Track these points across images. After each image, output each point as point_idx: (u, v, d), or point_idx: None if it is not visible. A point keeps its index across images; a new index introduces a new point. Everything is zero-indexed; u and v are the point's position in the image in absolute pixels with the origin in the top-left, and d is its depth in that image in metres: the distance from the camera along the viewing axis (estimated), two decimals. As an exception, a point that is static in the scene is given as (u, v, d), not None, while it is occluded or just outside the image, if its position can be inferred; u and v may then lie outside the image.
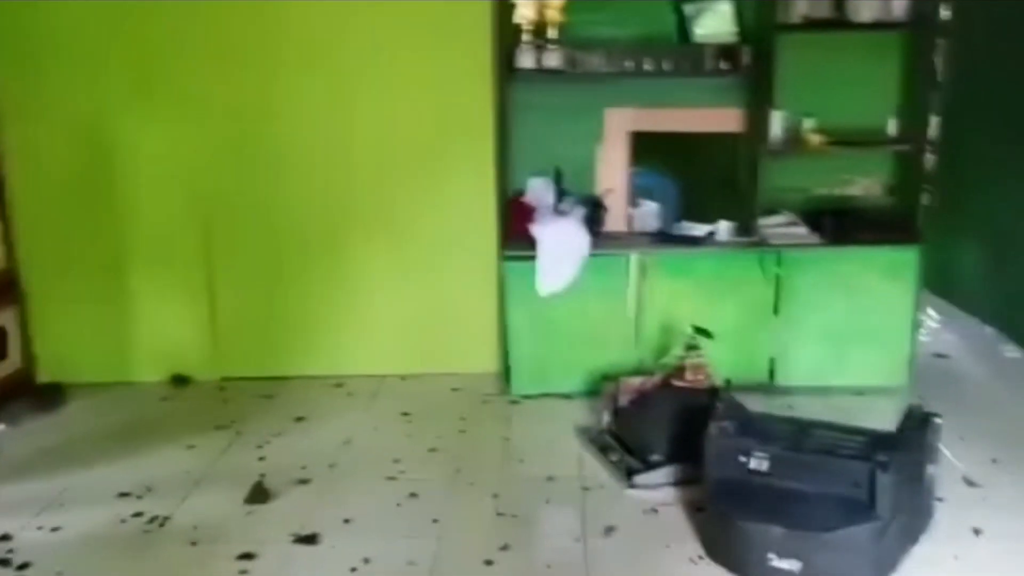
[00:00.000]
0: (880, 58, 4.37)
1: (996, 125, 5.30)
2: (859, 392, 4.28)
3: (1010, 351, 4.92)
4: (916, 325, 4.37)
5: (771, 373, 4.33)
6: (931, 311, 5.61)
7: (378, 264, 4.51)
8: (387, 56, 4.27)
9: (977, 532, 3.07)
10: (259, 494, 3.36)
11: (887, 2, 4.18)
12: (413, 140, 4.38)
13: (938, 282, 6.00)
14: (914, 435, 2.80)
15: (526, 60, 4.07)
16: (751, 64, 4.18)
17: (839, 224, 4.31)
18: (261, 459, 3.72)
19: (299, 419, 4.12)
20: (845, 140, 4.33)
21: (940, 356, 4.90)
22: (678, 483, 3.39)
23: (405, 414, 4.18)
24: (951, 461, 3.56)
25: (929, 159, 6.21)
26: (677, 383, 3.72)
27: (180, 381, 4.57)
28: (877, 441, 2.79)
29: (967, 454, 3.65)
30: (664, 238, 4.35)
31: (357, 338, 4.58)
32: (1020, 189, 5.01)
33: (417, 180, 4.41)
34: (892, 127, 4.37)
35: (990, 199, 5.39)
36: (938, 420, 2.91)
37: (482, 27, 4.14)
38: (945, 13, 6.01)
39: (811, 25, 4.16)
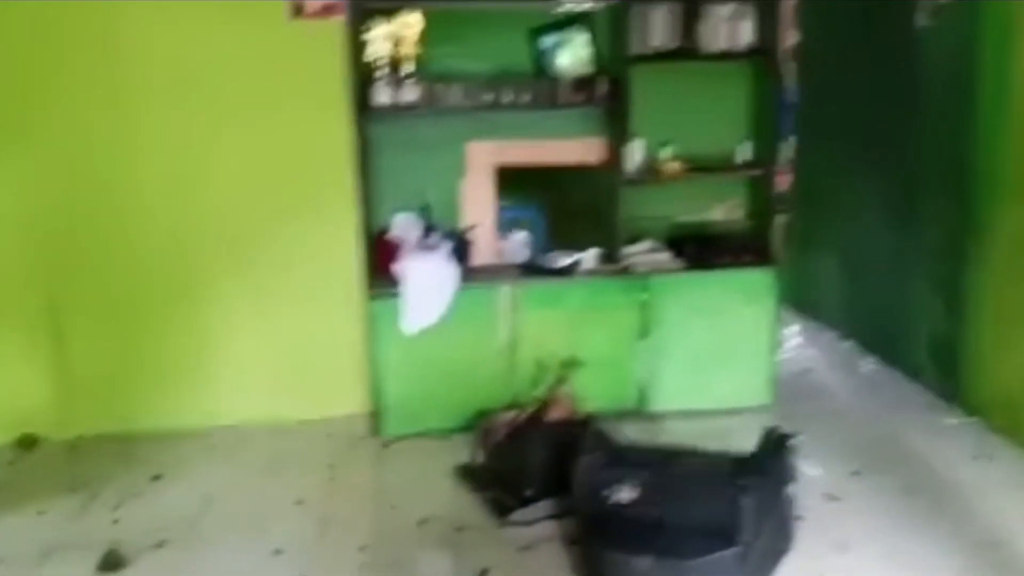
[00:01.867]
0: (731, 86, 4.51)
1: (845, 147, 5.56)
2: (727, 413, 4.37)
3: (866, 364, 5.12)
4: (777, 344, 4.50)
5: (642, 399, 4.38)
6: (794, 328, 5.80)
7: (240, 309, 4.34)
8: (240, 96, 4.14)
9: (840, 547, 3.15)
10: (112, 562, 3.15)
11: (734, 33, 4.32)
12: (271, 180, 4.25)
13: (800, 299, 6.24)
14: (772, 457, 2.85)
15: (382, 96, 4.03)
16: (607, 95, 4.25)
17: (700, 249, 4.41)
18: (116, 522, 3.50)
19: (157, 477, 3.91)
20: (701, 167, 4.45)
21: (804, 372, 5.05)
22: (554, 517, 3.36)
23: (270, 465, 4.02)
24: (814, 476, 3.66)
25: (781, 182, 6.49)
26: (548, 416, 3.71)
27: (28, 442, 4.28)
28: (737, 465, 2.83)
29: (829, 468, 3.76)
30: (533, 269, 4.35)
31: (220, 387, 4.40)
32: (867, 208, 5.24)
33: (278, 221, 4.29)
34: (745, 152, 4.50)
35: (842, 218, 5.63)
36: (794, 440, 2.97)
37: (335, 64, 4.07)
38: (790, 42, 6.29)
39: (662, 56, 4.26)
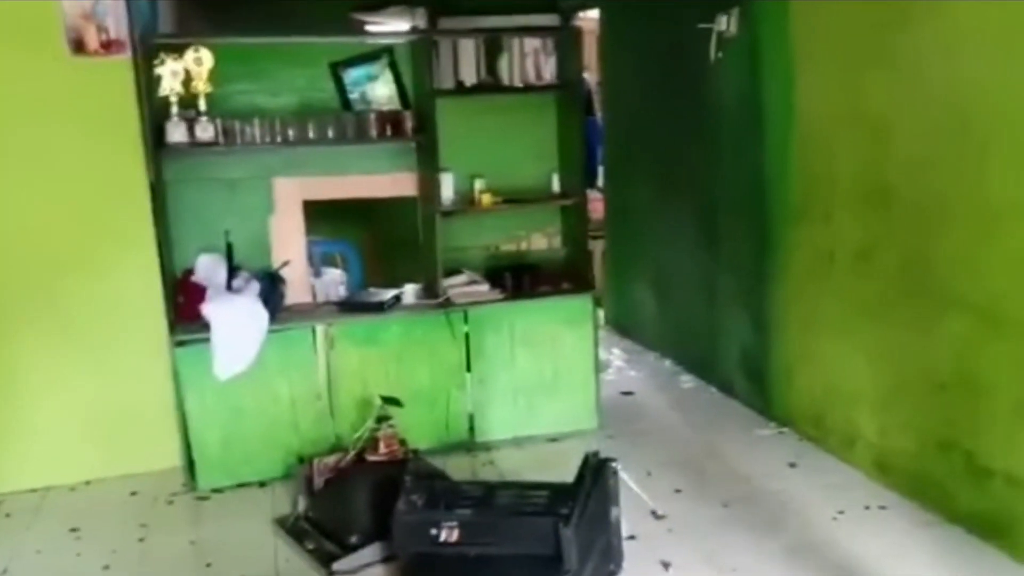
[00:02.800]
0: (538, 119, 4.58)
1: (653, 174, 5.76)
2: (554, 439, 4.39)
3: (686, 381, 5.29)
4: (599, 368, 4.56)
5: (471, 431, 4.33)
6: (617, 351, 5.93)
7: (37, 362, 3.99)
8: (23, 138, 3.84)
9: (666, 565, 3.20)
10: None
11: (537, 67, 4.40)
12: (65, 225, 3.95)
13: (621, 322, 6.40)
14: (593, 483, 2.86)
15: (177, 134, 3.83)
16: (415, 129, 4.22)
17: (519, 279, 4.43)
18: None
19: (-62, 557, 3.51)
20: (515, 198, 4.48)
21: (627, 393, 5.16)
22: (381, 561, 3.25)
23: (74, 529, 3.69)
24: (639, 496, 3.71)
25: (597, 209, 6.67)
26: (371, 458, 3.60)
27: None
28: (558, 494, 2.82)
29: (654, 487, 3.82)
30: (350, 306, 4.24)
31: (15, 449, 4.02)
32: (677, 232, 5.44)
33: (73, 268, 3.98)
34: (556, 182, 4.57)
35: (654, 242, 5.82)
36: (613, 464, 2.99)
37: (125, 102, 3.84)
38: (591, 76, 6.51)
39: (467, 90, 4.29)
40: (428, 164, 4.28)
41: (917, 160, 3.41)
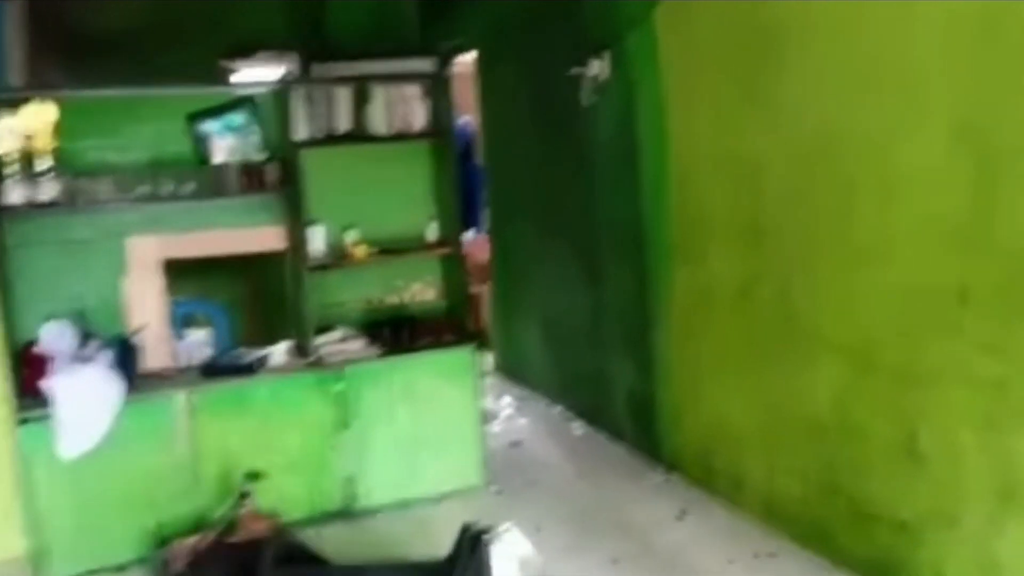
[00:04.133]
0: (411, 167, 4.45)
1: (536, 219, 5.68)
2: (438, 500, 4.19)
3: (576, 428, 5.18)
4: (484, 422, 4.40)
5: (348, 497, 4.09)
6: (505, 400, 5.78)
7: None
8: None
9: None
10: None
11: (407, 114, 4.27)
12: None
13: (512, 367, 6.27)
14: (467, 557, 2.68)
15: (15, 195, 3.54)
16: (279, 181, 4.02)
17: (397, 332, 4.25)
18: None
19: None
20: (391, 248, 4.31)
21: (515, 444, 5.00)
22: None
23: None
24: (526, 558, 3.54)
25: (481, 256, 6.56)
26: (237, 536, 3.33)
27: None
28: (431, 573, 2.63)
29: (544, 544, 3.66)
30: (215, 370, 3.97)
31: None
32: (562, 276, 5.36)
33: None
34: (432, 231, 4.43)
35: (540, 287, 5.73)
36: (489, 535, 2.83)
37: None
38: (468, 120, 6.44)
39: (334, 139, 4.12)
40: (295, 217, 4.08)
41: (788, 197, 3.39)
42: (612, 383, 4.89)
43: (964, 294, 2.69)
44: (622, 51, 4.40)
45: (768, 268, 3.54)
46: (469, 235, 7.61)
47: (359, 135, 4.20)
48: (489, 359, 6.62)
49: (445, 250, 4.42)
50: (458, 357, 4.25)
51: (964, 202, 2.66)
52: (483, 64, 6.26)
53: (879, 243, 2.99)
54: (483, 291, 6.89)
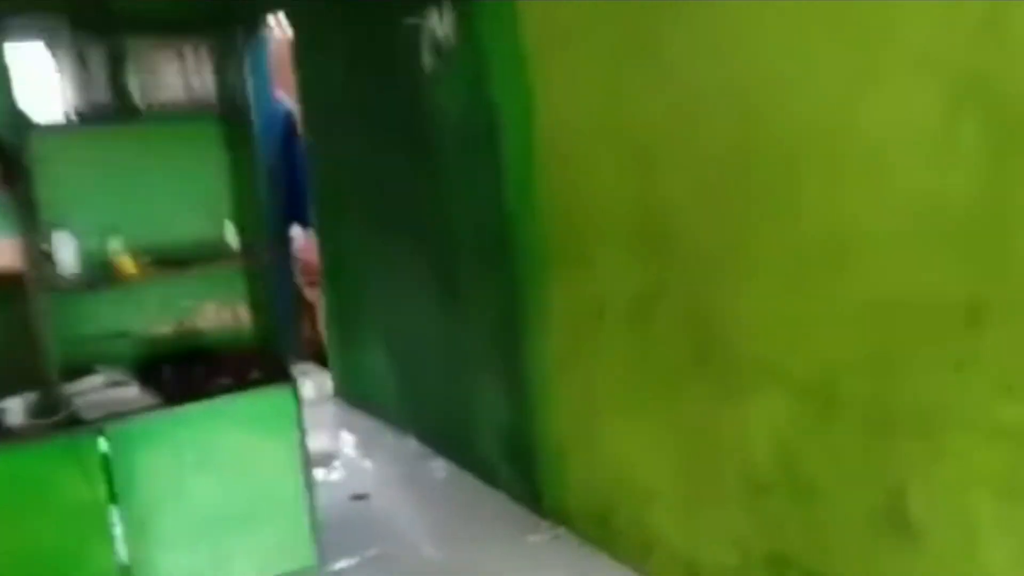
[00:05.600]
0: (197, 153, 3.36)
1: (373, 215, 4.66)
2: (258, 591, 3.15)
3: (437, 468, 4.21)
4: (316, 471, 3.35)
5: (129, 601, 2.99)
6: (347, 434, 4.75)
7: None
8: None
9: None
10: None
11: (186, 84, 3.18)
12: None
13: (353, 392, 5.25)
14: None
15: None
16: (5, 175, 2.86)
17: (186, 372, 3.17)
18: None
19: None
20: (171, 260, 3.21)
21: (359, 497, 3.99)
22: None
23: None
24: None
25: (307, 256, 5.50)
26: None
27: None
28: None
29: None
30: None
31: None
32: (408, 284, 4.37)
33: None
34: (231, 235, 3.35)
35: (382, 296, 4.72)
36: None
37: None
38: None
39: (84, 118, 3.00)
40: (27, 224, 2.93)
41: (701, 181, 2.53)
42: (479, 412, 3.95)
43: (976, 312, 1.89)
44: (469, 5, 3.45)
45: (676, 275, 2.68)
46: (298, 233, 6.52)
47: (121, 111, 3.08)
48: (327, 382, 5.56)
49: (247, 260, 3.34)
50: (272, 401, 3.19)
51: (973, 184, 1.86)
52: (298, 24, 5.16)
53: (840, 241, 2.17)
54: (319, 298, 5.83)
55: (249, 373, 3.24)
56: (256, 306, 3.45)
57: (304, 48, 5.14)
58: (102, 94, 3.08)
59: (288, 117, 5.67)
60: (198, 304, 3.38)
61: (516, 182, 3.35)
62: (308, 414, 5.09)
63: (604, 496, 3.21)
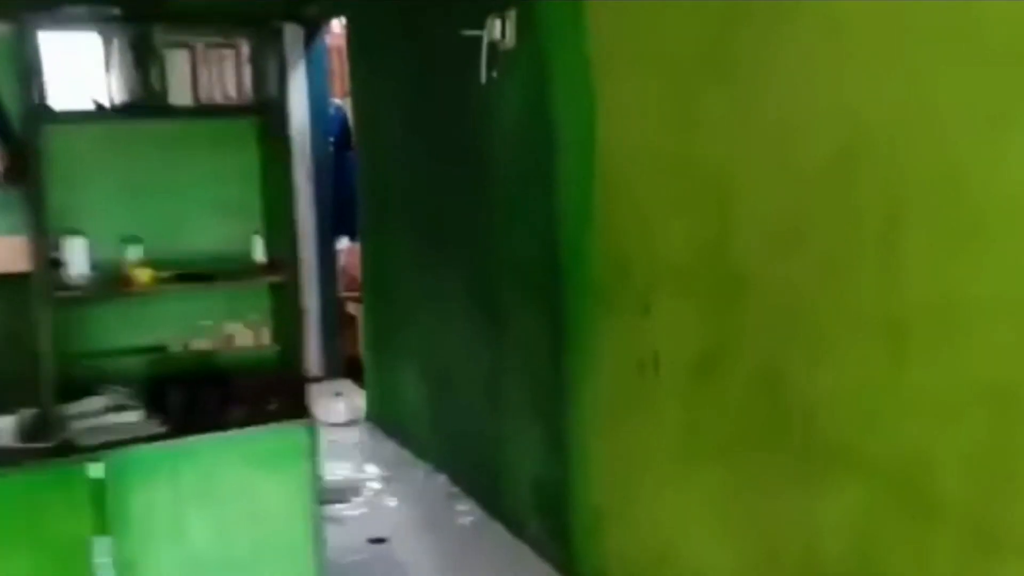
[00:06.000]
0: (231, 156, 3.09)
1: (417, 231, 4.39)
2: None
3: (464, 512, 3.89)
4: (319, 532, 3.03)
5: (115, 646, 2.71)
6: (373, 466, 4.46)
7: None
8: None
9: None
10: None
11: (222, 81, 2.93)
12: None
13: (387, 417, 4.97)
14: None
15: None
16: (12, 170, 2.63)
17: (199, 398, 2.90)
18: None
19: None
20: (193, 274, 2.95)
21: (377, 541, 3.69)
22: None
23: None
24: None
25: (351, 266, 5.24)
26: None
27: None
28: None
29: None
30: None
31: None
32: (449, 310, 4.08)
33: None
34: (260, 249, 3.08)
35: (421, 320, 4.44)
36: None
37: None
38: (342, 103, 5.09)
39: (104, 112, 2.76)
40: (37, 226, 2.69)
41: (785, 227, 2.18)
42: (514, 459, 3.63)
43: None
44: (533, 9, 3.15)
45: (748, 332, 2.33)
46: (345, 244, 6.31)
47: (148, 106, 2.84)
48: (361, 404, 5.29)
49: (276, 276, 3.07)
50: (287, 437, 2.91)
51: None
52: (355, 29, 4.93)
53: (950, 309, 1.80)
54: (360, 313, 5.59)
55: (266, 402, 2.96)
56: (280, 327, 3.17)
57: (361, 54, 4.92)
58: (135, 88, 2.84)
59: (344, 124, 5.44)
60: (218, 323, 3.11)
61: (572, 210, 3.03)
62: (336, 437, 4.89)
63: (643, 570, 2.86)
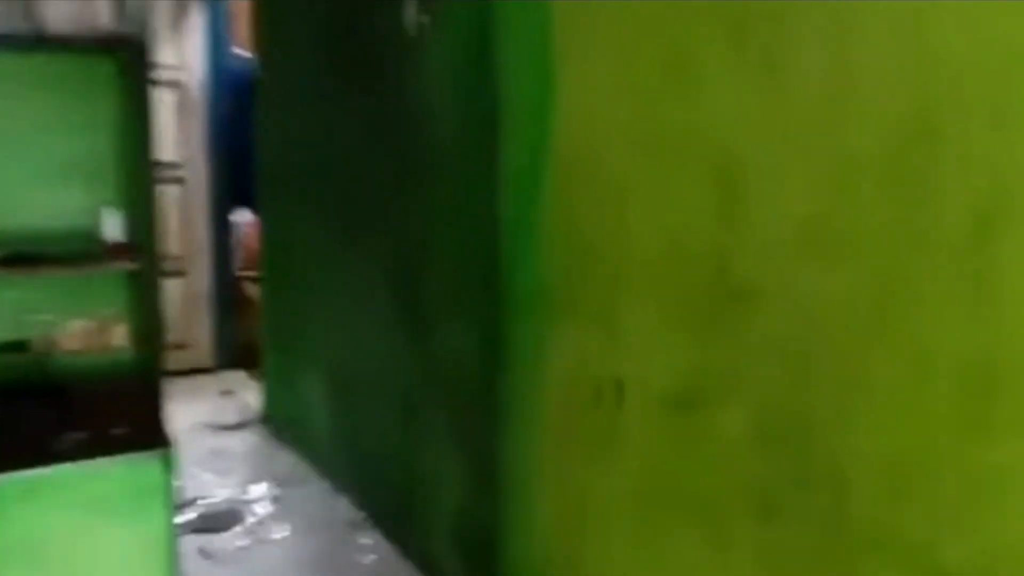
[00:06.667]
0: (78, 102, 2.38)
1: (326, 208, 3.71)
2: None
3: (367, 547, 3.27)
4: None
5: None
6: (265, 483, 3.79)
7: None
8: None
9: None
10: None
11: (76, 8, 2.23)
12: None
13: (284, 420, 4.31)
14: None
15: None
16: None
17: (21, 418, 2.20)
18: None
19: None
20: (24, 254, 2.25)
21: (262, 585, 3.04)
22: None
23: None
24: None
25: (249, 241, 4.59)
26: None
27: None
28: None
29: None
30: None
31: None
32: (360, 303, 3.43)
33: None
34: (113, 226, 2.39)
35: (326, 312, 3.77)
36: None
37: None
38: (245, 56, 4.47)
39: None
40: None
41: (824, 231, 1.61)
42: (432, 489, 3.01)
43: None
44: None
45: (755, 361, 1.76)
46: (244, 216, 5.58)
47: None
48: (255, 400, 4.61)
49: (129, 261, 2.38)
50: (134, 473, 2.23)
51: None
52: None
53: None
54: (256, 293, 4.90)
55: (112, 423, 2.28)
56: (139, 324, 2.48)
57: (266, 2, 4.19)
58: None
59: (248, 78, 4.72)
60: (57, 318, 2.41)
61: (517, 191, 2.42)
62: (222, 444, 4.20)
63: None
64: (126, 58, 2.33)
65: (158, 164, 2.55)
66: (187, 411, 4.47)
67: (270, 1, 4.13)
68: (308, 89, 3.74)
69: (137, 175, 2.38)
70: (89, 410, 2.30)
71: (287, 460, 4.04)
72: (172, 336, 5.27)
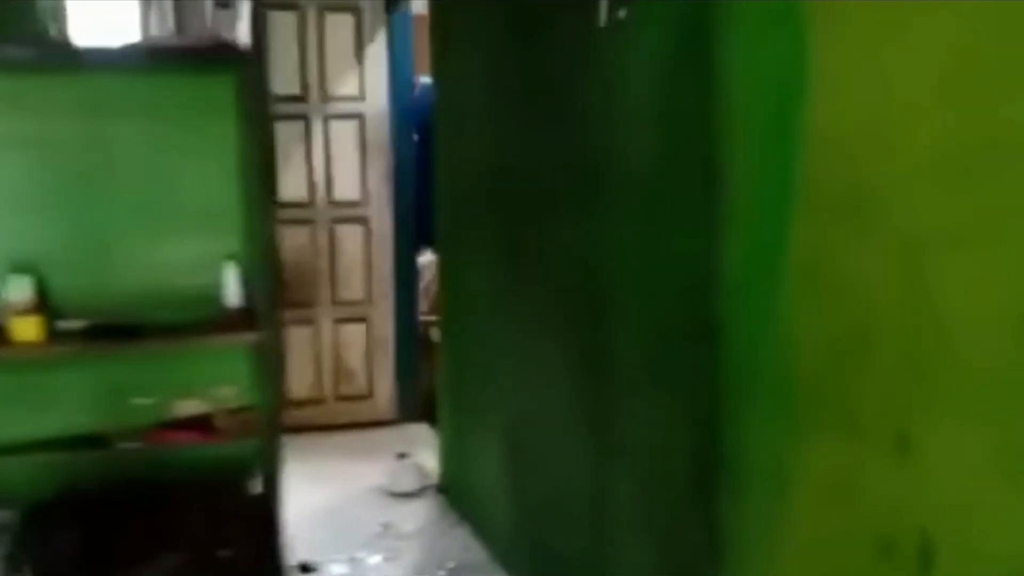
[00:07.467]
0: (192, 132, 1.92)
1: (500, 240, 3.16)
2: None
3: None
4: None
5: None
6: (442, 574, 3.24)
7: None
8: None
9: None
10: None
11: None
12: None
13: (460, 491, 3.81)
14: None
15: None
16: None
17: (103, 531, 1.75)
18: None
19: None
20: (119, 326, 1.81)
21: None
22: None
23: None
24: None
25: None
26: None
27: None
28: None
29: None
30: None
31: None
32: (539, 363, 2.82)
33: None
34: (232, 283, 1.91)
35: (504, 375, 3.20)
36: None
37: None
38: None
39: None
40: None
41: None
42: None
43: None
44: None
45: None
46: (429, 259, 5.16)
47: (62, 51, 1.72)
48: (430, 461, 4.13)
49: (251, 333, 1.89)
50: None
51: None
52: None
53: None
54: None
55: (219, 541, 1.78)
56: (256, 405, 1.98)
57: (442, 21, 3.73)
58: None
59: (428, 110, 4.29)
60: (161, 401, 1.95)
61: (750, 238, 1.72)
62: (395, 516, 3.72)
63: None
64: (244, 76, 1.85)
65: (280, 205, 2.11)
66: (360, 473, 4.07)
67: (444, 23, 3.67)
68: (483, 112, 3.22)
69: (256, 221, 1.88)
70: (191, 521, 1.81)
71: (460, 540, 3.49)
72: (352, 387, 4.96)
